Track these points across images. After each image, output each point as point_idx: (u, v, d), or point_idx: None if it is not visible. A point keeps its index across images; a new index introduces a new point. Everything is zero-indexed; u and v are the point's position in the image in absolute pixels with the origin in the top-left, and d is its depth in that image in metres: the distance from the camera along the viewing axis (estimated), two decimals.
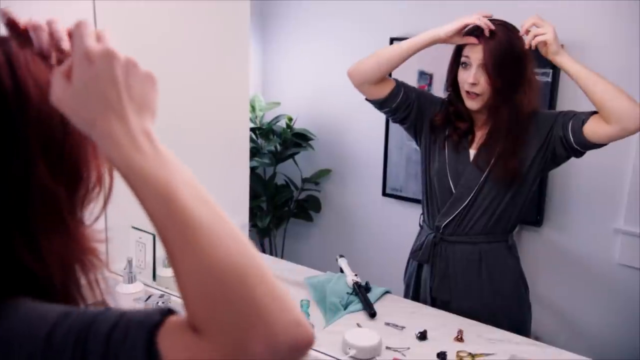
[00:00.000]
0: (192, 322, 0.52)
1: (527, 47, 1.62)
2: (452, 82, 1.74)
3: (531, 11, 2.28)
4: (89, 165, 0.65)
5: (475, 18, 1.65)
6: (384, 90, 1.81)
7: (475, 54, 1.65)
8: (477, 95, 1.67)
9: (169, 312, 0.54)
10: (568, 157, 1.70)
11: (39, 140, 0.60)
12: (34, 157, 0.60)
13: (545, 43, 1.61)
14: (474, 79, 1.65)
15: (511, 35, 1.65)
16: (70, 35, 0.59)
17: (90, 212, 0.67)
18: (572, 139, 1.62)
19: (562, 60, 1.62)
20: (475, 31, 1.66)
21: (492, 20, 1.66)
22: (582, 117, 1.62)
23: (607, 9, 2.24)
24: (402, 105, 1.82)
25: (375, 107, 1.87)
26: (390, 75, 1.87)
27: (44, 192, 0.60)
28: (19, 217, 0.60)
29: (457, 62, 1.71)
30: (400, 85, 1.82)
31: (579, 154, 1.66)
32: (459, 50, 1.71)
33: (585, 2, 2.26)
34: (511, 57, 1.63)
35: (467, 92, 1.68)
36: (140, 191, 0.54)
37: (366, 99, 1.87)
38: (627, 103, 1.54)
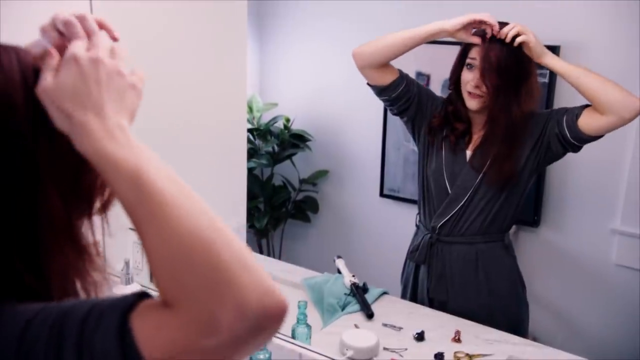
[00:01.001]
0: (164, 298, 0.53)
1: (509, 36, 1.62)
2: (455, 81, 1.74)
3: (531, 11, 2.30)
4: (97, 192, 0.66)
5: (485, 15, 1.64)
6: (386, 78, 1.80)
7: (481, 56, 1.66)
8: (479, 96, 1.67)
9: (144, 295, 0.55)
10: (564, 153, 1.70)
11: (51, 164, 0.61)
12: (46, 183, 0.60)
13: (527, 45, 1.61)
14: (477, 81, 1.65)
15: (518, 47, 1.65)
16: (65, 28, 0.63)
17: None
18: (568, 134, 1.63)
19: (549, 61, 1.63)
20: (484, 34, 1.66)
21: (501, 23, 1.66)
22: (576, 112, 1.63)
23: (607, 10, 2.24)
24: (402, 96, 1.81)
25: (375, 93, 1.87)
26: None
27: (52, 217, 0.61)
28: (23, 238, 0.60)
29: (462, 62, 1.71)
30: (403, 77, 1.82)
31: (577, 148, 1.67)
32: (465, 51, 1.71)
33: (584, 2, 2.27)
34: (515, 62, 1.63)
35: (469, 92, 1.68)
36: (111, 175, 0.56)
37: (367, 84, 1.86)
38: (619, 92, 1.56)
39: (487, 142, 1.72)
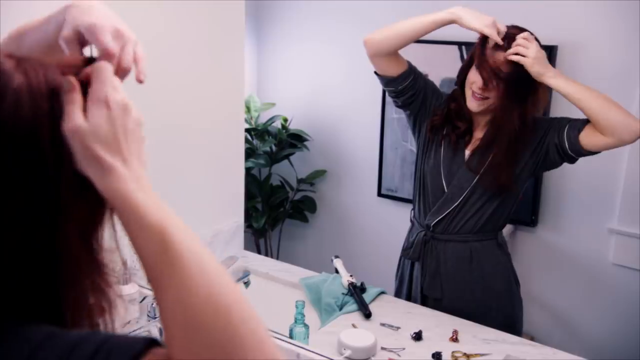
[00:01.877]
0: (173, 357, 0.53)
1: (505, 55, 1.60)
2: (462, 79, 1.73)
3: (529, 11, 2.30)
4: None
5: (503, 29, 1.63)
6: (396, 69, 1.79)
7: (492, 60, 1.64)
8: (483, 98, 1.66)
9: (153, 342, 0.55)
10: (561, 163, 1.72)
11: (74, 197, 0.60)
12: (66, 222, 0.59)
13: (524, 65, 1.59)
14: (483, 83, 1.64)
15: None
16: (91, 75, 0.62)
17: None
18: (567, 146, 1.63)
19: (549, 81, 1.59)
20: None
21: (513, 29, 1.64)
22: (578, 125, 1.61)
23: (604, 10, 2.25)
24: (408, 89, 1.79)
25: (382, 83, 1.85)
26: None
27: (69, 255, 0.60)
28: (41, 267, 0.59)
29: (471, 60, 1.69)
30: (412, 70, 1.80)
31: (573, 160, 1.68)
32: (479, 50, 1.68)
33: (582, 3, 2.27)
34: (517, 74, 1.61)
35: (473, 92, 1.67)
36: (135, 226, 0.57)
37: (375, 72, 1.85)
38: (620, 115, 1.55)
39: (486, 146, 1.71)
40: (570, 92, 1.58)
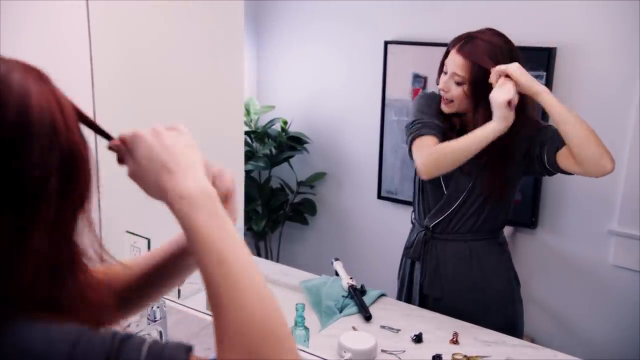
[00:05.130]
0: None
1: (491, 79, 1.59)
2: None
3: (528, 13, 2.30)
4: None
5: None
6: None
7: (450, 64, 1.68)
8: (449, 101, 1.70)
9: (190, 349, 0.61)
10: (542, 174, 1.74)
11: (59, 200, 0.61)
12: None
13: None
14: (444, 85, 1.69)
15: (492, 53, 1.62)
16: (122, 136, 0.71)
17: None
18: (545, 160, 1.65)
19: (539, 97, 1.57)
20: (457, 41, 1.67)
21: (481, 32, 1.66)
22: (558, 143, 1.61)
23: (603, 11, 2.25)
24: None
25: None
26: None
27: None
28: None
29: (441, 64, 1.74)
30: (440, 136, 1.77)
31: (551, 174, 1.69)
32: (445, 54, 1.73)
33: (580, 4, 2.27)
34: (480, 78, 1.62)
35: (442, 95, 1.72)
36: (200, 247, 0.64)
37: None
38: (596, 151, 1.54)
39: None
40: (555, 108, 1.56)
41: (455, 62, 1.65)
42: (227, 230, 0.64)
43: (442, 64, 1.72)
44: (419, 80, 2.63)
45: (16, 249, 0.58)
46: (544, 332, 2.46)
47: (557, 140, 1.61)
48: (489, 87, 1.60)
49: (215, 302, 0.62)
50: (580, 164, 1.57)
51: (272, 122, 2.98)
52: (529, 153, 1.68)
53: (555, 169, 1.64)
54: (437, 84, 1.77)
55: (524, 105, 1.63)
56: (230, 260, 0.62)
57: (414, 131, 1.72)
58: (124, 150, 0.70)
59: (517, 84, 1.56)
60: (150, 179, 0.67)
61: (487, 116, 1.62)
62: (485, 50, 1.62)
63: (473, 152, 1.62)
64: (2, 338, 0.56)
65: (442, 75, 1.72)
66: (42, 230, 0.59)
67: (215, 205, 0.66)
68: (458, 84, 1.66)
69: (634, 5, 2.13)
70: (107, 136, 0.72)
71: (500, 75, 1.58)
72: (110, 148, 0.71)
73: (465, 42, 1.65)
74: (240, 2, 2.04)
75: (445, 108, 1.72)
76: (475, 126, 1.71)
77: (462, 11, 2.46)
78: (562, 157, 1.61)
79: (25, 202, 0.58)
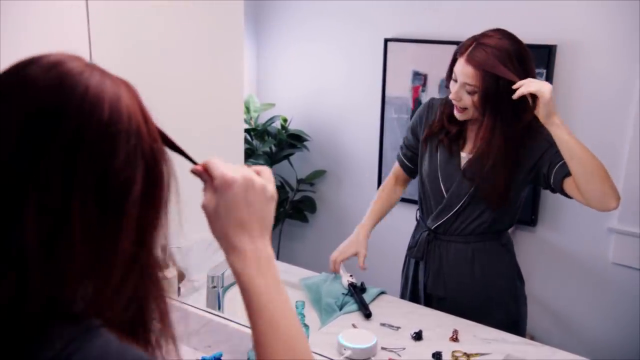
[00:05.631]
0: None
1: (516, 95, 1.53)
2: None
3: (530, 11, 2.30)
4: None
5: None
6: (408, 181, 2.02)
7: (460, 74, 1.62)
8: (462, 108, 1.67)
9: None
10: (545, 189, 1.74)
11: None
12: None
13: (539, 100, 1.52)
14: (455, 95, 1.65)
15: (501, 59, 1.57)
16: (207, 166, 0.71)
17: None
18: (552, 182, 1.65)
19: (553, 128, 1.55)
20: (466, 48, 1.61)
21: (487, 37, 1.60)
22: (566, 170, 1.59)
23: (603, 9, 2.25)
24: (415, 159, 1.91)
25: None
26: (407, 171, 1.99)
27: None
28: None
29: (450, 70, 1.69)
30: (405, 168, 1.97)
31: (555, 192, 1.69)
32: (453, 61, 1.68)
33: (581, 2, 2.27)
34: (494, 86, 1.58)
35: (453, 103, 1.69)
36: (253, 306, 0.69)
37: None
38: (601, 188, 1.54)
39: (481, 154, 1.70)
40: (566, 141, 1.54)
41: (465, 73, 1.60)
42: (282, 296, 0.71)
43: (451, 71, 1.67)
44: (419, 77, 2.63)
45: (106, 248, 0.59)
46: (543, 329, 2.46)
47: (566, 166, 1.59)
48: (501, 95, 1.57)
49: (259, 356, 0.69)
50: (584, 198, 1.58)
51: (272, 119, 2.97)
52: (536, 167, 1.67)
53: (560, 193, 1.65)
54: (447, 87, 1.72)
55: (533, 118, 1.59)
56: (280, 328, 0.69)
57: (398, 152, 1.98)
58: (206, 180, 0.71)
59: (539, 105, 1.52)
60: (222, 224, 0.69)
61: (494, 124, 1.62)
62: (494, 56, 1.56)
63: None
64: (86, 349, 0.57)
65: (452, 82, 1.66)
66: (129, 231, 0.60)
67: (275, 270, 0.71)
68: (470, 93, 1.62)
69: (635, 4, 2.13)
70: (190, 160, 0.73)
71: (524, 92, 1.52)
72: (193, 172, 0.72)
73: (474, 50, 1.59)
74: (240, 1, 2.04)
75: (459, 116, 1.69)
76: (479, 133, 1.70)
77: (462, 9, 2.45)
78: (569, 185, 1.61)
79: (113, 203, 0.59)
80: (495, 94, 1.58)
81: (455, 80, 1.64)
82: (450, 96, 1.66)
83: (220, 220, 0.69)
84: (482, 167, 1.68)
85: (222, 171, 0.69)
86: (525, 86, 1.52)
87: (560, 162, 1.61)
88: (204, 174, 0.71)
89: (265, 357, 0.69)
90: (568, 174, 1.59)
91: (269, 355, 0.69)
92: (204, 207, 0.70)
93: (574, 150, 1.54)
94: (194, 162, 0.73)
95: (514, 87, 1.54)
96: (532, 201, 2.45)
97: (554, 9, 2.30)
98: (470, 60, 1.59)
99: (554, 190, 1.68)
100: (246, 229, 0.70)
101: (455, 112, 1.70)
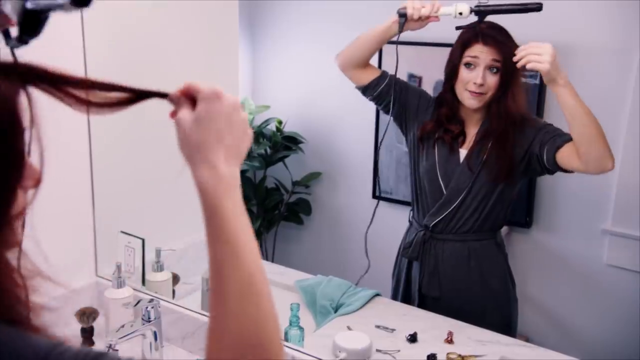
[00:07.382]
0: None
1: (518, 65, 1.59)
2: (452, 83, 1.74)
3: (526, 13, 2.30)
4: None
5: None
6: (367, 77, 1.88)
7: (484, 55, 1.67)
8: (481, 94, 1.69)
9: None
10: (542, 173, 1.75)
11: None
12: None
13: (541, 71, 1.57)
14: (482, 79, 1.67)
15: (510, 38, 1.70)
16: (189, 86, 0.70)
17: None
18: (545, 159, 1.66)
19: (557, 89, 1.58)
20: (476, 34, 1.68)
21: (479, 22, 1.67)
22: (558, 143, 1.63)
23: (600, 10, 2.25)
24: (383, 95, 1.86)
25: (360, 92, 1.93)
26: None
27: None
28: None
29: (459, 61, 1.72)
30: (384, 77, 1.86)
31: (552, 172, 1.69)
32: (462, 50, 1.71)
33: (577, 3, 2.27)
34: (510, 56, 1.64)
35: (471, 91, 1.69)
36: (217, 231, 0.65)
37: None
38: (600, 151, 1.56)
39: (483, 138, 1.73)
40: (569, 106, 1.56)
41: (488, 51, 1.67)
42: (248, 228, 0.66)
43: (455, 68, 1.71)
44: (414, 80, 2.63)
45: None
46: (538, 331, 2.46)
47: (557, 140, 1.63)
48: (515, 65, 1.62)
49: (215, 287, 0.64)
50: (583, 162, 1.58)
51: (267, 122, 2.97)
52: (528, 153, 1.69)
53: (555, 168, 1.66)
54: (444, 86, 1.77)
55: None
56: (243, 255, 0.64)
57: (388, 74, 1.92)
58: (184, 103, 0.68)
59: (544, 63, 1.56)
60: (200, 135, 0.65)
61: (516, 98, 1.68)
62: (501, 30, 1.68)
63: (374, 37, 1.85)
64: None
65: (467, 71, 1.69)
66: None
67: (240, 196, 0.66)
68: (494, 72, 1.68)
69: (635, 4, 2.14)
70: (159, 94, 0.71)
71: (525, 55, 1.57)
72: (171, 99, 0.69)
73: (485, 32, 1.67)
74: (235, 2, 2.04)
75: (475, 103, 1.71)
76: (474, 129, 1.73)
77: None
78: (564, 155, 1.62)
79: None
80: (514, 64, 1.62)
81: (471, 67, 1.69)
82: (477, 81, 1.67)
83: (200, 130, 0.65)
84: (480, 154, 1.72)
85: (211, 85, 0.68)
86: (525, 58, 1.57)
87: (550, 139, 1.64)
88: (183, 97, 0.68)
89: (221, 288, 0.64)
90: (559, 146, 1.62)
91: (225, 286, 0.63)
92: (179, 120, 0.67)
93: (578, 112, 1.56)
94: (163, 94, 0.70)
95: (515, 58, 1.59)
96: (527, 203, 2.45)
97: (551, 8, 2.30)
98: (488, 40, 1.67)
99: (549, 170, 1.68)
100: (222, 146, 0.65)
101: (471, 100, 1.70)
